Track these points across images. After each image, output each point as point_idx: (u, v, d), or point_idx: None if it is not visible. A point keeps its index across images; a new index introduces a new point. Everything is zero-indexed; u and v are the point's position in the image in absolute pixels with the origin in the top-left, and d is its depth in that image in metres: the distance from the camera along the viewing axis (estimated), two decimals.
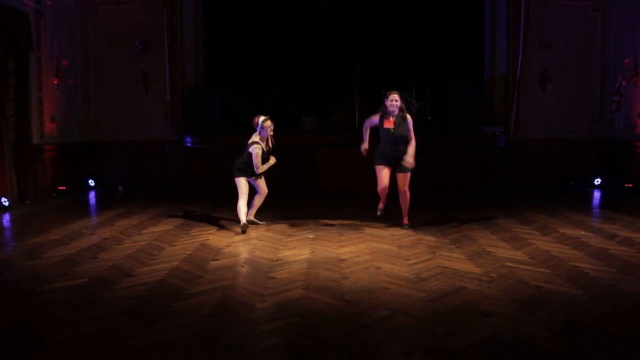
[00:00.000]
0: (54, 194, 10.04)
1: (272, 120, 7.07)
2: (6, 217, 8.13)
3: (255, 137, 7.00)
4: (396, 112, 6.77)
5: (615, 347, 3.53)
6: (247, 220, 7.04)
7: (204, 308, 4.20)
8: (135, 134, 11.40)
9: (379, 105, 11.39)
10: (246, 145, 7.02)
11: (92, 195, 10.68)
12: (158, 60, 11.39)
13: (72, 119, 11.01)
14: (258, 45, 12.22)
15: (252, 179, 7.11)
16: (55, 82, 10.33)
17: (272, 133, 7.08)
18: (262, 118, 7.02)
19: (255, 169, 6.94)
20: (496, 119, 11.51)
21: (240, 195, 7.00)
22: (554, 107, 11.29)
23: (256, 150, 6.89)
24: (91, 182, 11.17)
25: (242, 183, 7.02)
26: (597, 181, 10.89)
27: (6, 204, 8.52)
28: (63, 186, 10.29)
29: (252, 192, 7.20)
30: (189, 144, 11.25)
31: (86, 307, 4.24)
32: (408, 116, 6.84)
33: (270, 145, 7.13)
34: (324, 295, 4.48)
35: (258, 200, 7.34)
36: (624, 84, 10.57)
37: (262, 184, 7.26)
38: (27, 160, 9.38)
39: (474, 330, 3.76)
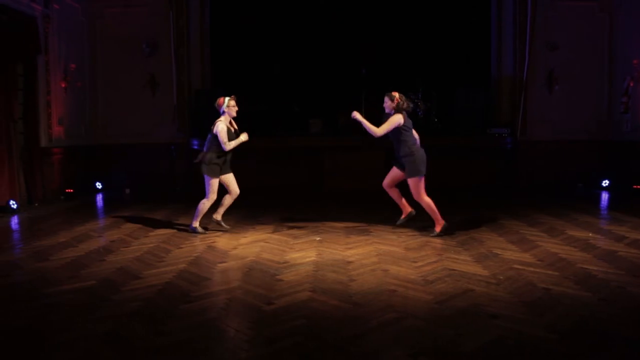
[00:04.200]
0: (62, 197, 10.09)
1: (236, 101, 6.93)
2: (14, 220, 8.18)
3: (219, 119, 6.86)
4: (391, 112, 6.64)
5: (624, 349, 3.51)
6: (215, 221, 7.06)
7: (210, 310, 4.21)
8: (142, 136, 11.44)
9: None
10: (210, 133, 6.85)
11: (99, 197, 10.73)
12: (165, 63, 11.43)
13: (79, 122, 11.06)
14: (264, 48, 12.24)
15: (222, 178, 6.91)
16: (63, 85, 10.39)
17: (235, 115, 6.92)
18: (227, 98, 6.89)
19: (222, 146, 6.72)
20: (503, 121, 11.48)
21: (207, 195, 6.86)
22: (561, 108, 11.26)
23: (221, 126, 6.74)
24: (98, 185, 11.22)
25: (215, 184, 6.84)
26: (605, 183, 10.83)
27: (14, 206, 8.56)
28: (71, 189, 10.35)
29: (223, 191, 7.03)
30: (195, 147, 11.26)
31: (93, 309, 4.26)
32: (393, 115, 6.57)
33: (236, 127, 6.97)
34: (331, 297, 4.48)
35: (228, 200, 7.09)
36: (632, 84, 10.52)
37: (233, 183, 7.04)
38: (35, 163, 9.44)
39: (482, 332, 3.74)
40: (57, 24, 10.10)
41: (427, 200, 6.59)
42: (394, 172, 6.79)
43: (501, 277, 4.97)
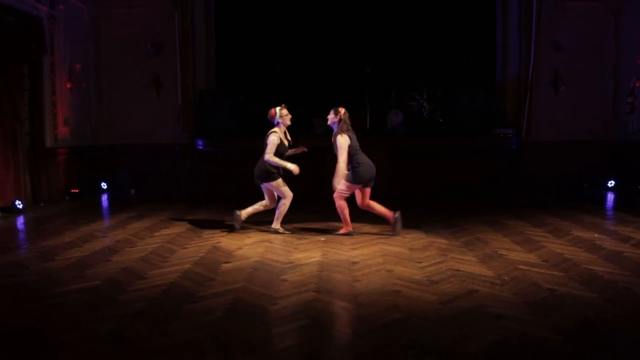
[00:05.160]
0: (67, 197, 10.12)
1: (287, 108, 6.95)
2: (20, 220, 8.21)
3: (274, 129, 6.86)
4: (333, 126, 6.84)
5: (629, 350, 3.50)
6: (235, 215, 7.03)
7: (216, 310, 4.21)
8: (147, 137, 11.45)
9: (389, 107, 11.41)
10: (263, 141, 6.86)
11: (104, 197, 10.76)
12: (169, 63, 11.45)
13: (85, 123, 11.09)
14: (268, 48, 12.23)
15: (267, 185, 6.88)
16: (69, 86, 10.42)
17: (289, 123, 6.96)
18: (278, 108, 6.90)
19: (264, 155, 6.69)
20: (508, 121, 11.44)
21: (284, 196, 6.86)
22: (567, 108, 11.21)
23: (272, 137, 6.72)
24: (104, 185, 11.25)
25: (281, 184, 6.82)
26: (611, 183, 10.79)
27: (20, 206, 8.60)
28: (76, 189, 10.36)
29: (260, 197, 7.14)
30: (200, 147, 11.29)
31: (97, 309, 4.27)
32: (338, 137, 6.71)
33: (289, 138, 7.00)
34: (336, 297, 4.48)
35: (259, 206, 7.09)
36: (637, 85, 10.49)
37: (272, 193, 7.01)
38: (40, 163, 9.46)
39: (486, 333, 3.74)
40: (62, 25, 10.13)
41: (341, 204, 6.82)
42: (358, 191, 6.87)
43: (506, 278, 4.96)
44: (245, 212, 7.12)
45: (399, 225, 6.87)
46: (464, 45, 11.90)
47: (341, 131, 6.68)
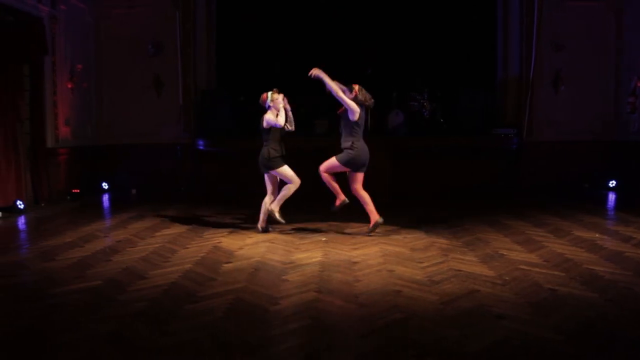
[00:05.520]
0: (68, 197, 10.12)
1: (280, 92, 6.89)
2: (21, 220, 8.21)
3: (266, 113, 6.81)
4: None
5: (631, 351, 3.50)
6: (269, 210, 6.84)
7: (216, 310, 4.21)
8: (148, 137, 11.44)
9: (390, 107, 11.39)
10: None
11: (105, 197, 10.76)
12: (170, 63, 11.43)
13: (85, 123, 11.09)
14: (268, 48, 12.22)
15: (273, 173, 6.82)
16: (70, 86, 10.41)
17: (283, 104, 6.87)
18: (269, 92, 6.85)
19: (276, 125, 6.63)
20: (508, 121, 11.43)
21: (291, 182, 6.75)
22: (568, 108, 11.19)
23: (267, 115, 6.70)
24: (104, 185, 11.25)
25: (287, 170, 6.76)
26: (612, 183, 10.78)
27: (21, 206, 8.59)
28: (77, 189, 10.36)
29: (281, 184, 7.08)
30: (201, 147, 11.29)
31: (97, 309, 4.27)
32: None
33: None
34: (337, 297, 4.48)
35: (270, 198, 6.98)
36: (639, 85, 10.48)
37: (275, 182, 6.95)
38: (41, 163, 9.46)
39: (487, 333, 3.73)
40: (63, 25, 10.13)
41: (326, 176, 6.83)
42: (350, 175, 6.87)
43: (507, 278, 4.95)
44: (275, 206, 6.89)
45: (376, 229, 6.85)
46: (464, 45, 11.88)
47: (356, 102, 6.66)
